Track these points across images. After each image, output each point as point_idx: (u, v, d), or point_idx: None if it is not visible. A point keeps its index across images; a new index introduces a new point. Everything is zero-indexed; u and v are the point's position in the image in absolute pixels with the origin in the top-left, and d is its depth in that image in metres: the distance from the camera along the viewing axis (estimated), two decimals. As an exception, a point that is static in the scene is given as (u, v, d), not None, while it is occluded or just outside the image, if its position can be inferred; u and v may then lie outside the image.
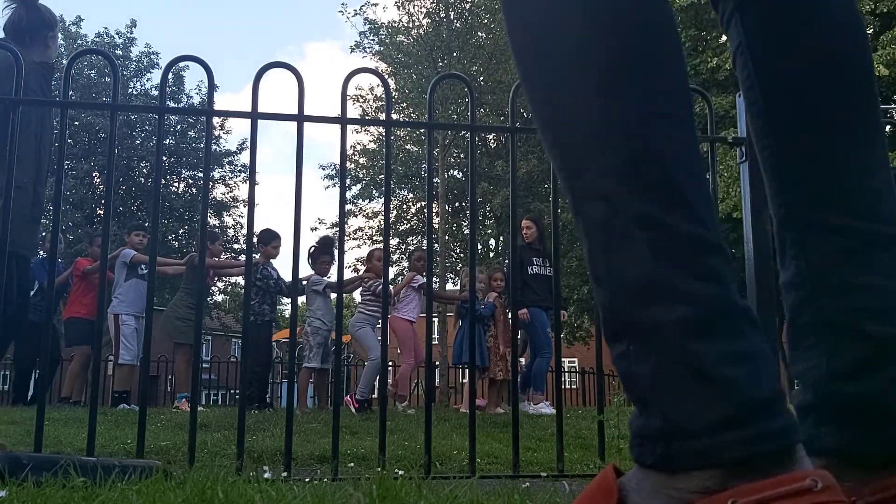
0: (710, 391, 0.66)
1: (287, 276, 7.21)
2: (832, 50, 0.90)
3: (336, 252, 6.62)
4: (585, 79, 0.74)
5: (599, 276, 0.74)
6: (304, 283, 6.64)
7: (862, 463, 0.81)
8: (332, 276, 6.89)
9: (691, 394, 0.67)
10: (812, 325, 0.87)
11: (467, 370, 7.13)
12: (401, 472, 1.85)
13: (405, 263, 18.14)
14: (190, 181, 24.10)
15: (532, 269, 6.94)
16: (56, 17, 3.34)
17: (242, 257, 14.45)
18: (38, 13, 3.20)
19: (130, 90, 23.10)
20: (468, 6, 19.93)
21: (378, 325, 6.74)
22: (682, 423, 0.67)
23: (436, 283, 14.71)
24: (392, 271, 18.23)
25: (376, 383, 6.45)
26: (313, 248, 7.04)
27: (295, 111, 2.43)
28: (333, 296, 6.79)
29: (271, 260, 6.99)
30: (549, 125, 0.78)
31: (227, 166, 24.75)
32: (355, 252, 22.15)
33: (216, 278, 8.65)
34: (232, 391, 18.02)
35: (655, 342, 0.69)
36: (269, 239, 6.82)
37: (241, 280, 15.63)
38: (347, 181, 12.15)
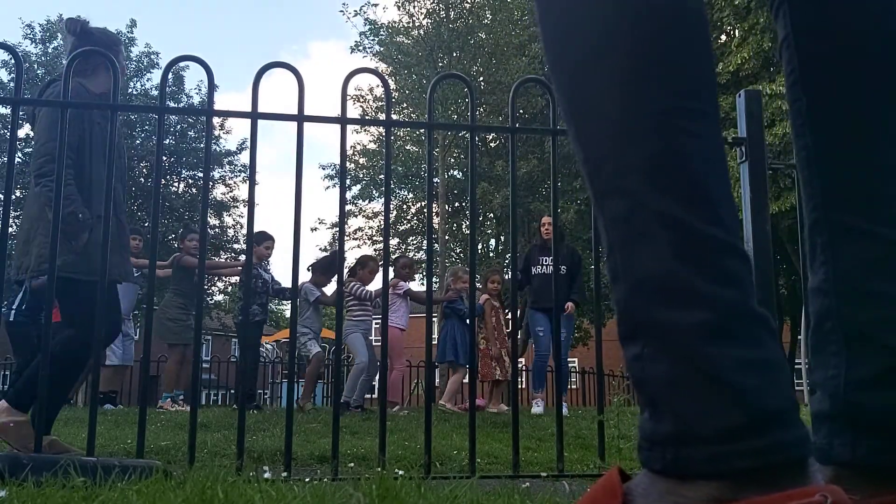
0: (725, 397, 0.65)
1: (281, 278, 7.32)
2: (883, 51, 0.87)
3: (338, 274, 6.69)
4: (610, 71, 0.72)
5: (617, 273, 0.72)
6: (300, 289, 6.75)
7: (872, 476, 0.80)
8: (325, 289, 7.06)
9: (705, 399, 0.66)
10: (835, 333, 0.86)
11: (450, 369, 7.17)
12: (401, 472, 1.85)
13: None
14: (190, 181, 24.09)
15: (536, 269, 6.89)
16: (114, 38, 3.16)
17: (242, 257, 14.37)
18: (90, 39, 3.05)
19: (130, 90, 23.08)
20: (468, 6, 19.93)
21: (366, 330, 6.80)
22: (694, 429, 0.66)
23: (435, 283, 14.70)
24: (391, 272, 18.20)
25: (361, 386, 6.49)
26: (316, 262, 7.12)
27: (295, 111, 2.43)
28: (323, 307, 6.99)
29: (266, 261, 7.04)
30: (573, 117, 0.76)
31: (227, 166, 24.74)
32: (356, 252, 22.16)
33: (215, 279, 8.70)
34: (232, 391, 18.01)
35: (671, 344, 0.68)
36: (262, 240, 6.86)
37: (234, 280, 15.62)
38: (347, 181, 12.15)
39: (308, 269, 7.00)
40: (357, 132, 21.39)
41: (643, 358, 0.70)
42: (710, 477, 0.65)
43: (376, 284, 6.98)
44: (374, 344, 6.80)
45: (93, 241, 2.81)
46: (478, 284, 6.73)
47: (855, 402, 0.82)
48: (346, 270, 6.80)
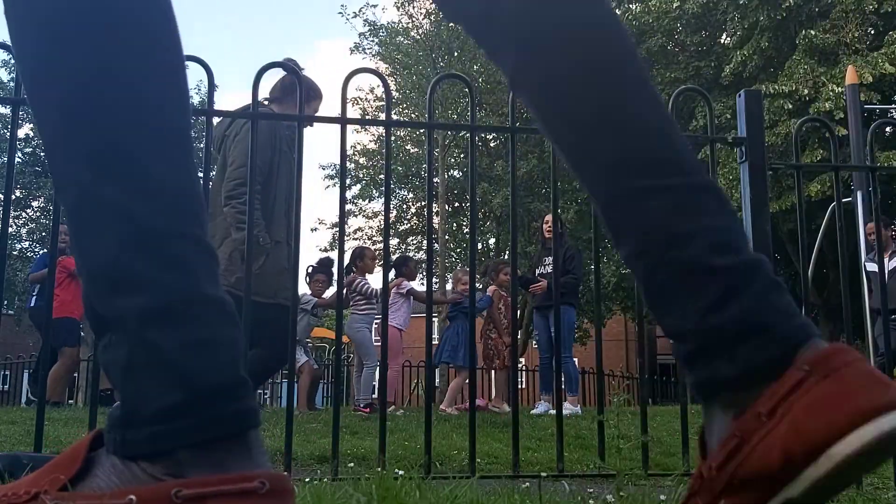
0: (167, 379, 0.68)
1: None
2: None
3: (335, 272, 6.78)
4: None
5: (78, 266, 0.75)
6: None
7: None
8: (324, 294, 7.19)
9: (148, 381, 0.68)
10: None
11: (451, 370, 7.20)
12: (401, 472, 1.85)
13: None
14: (190, 181, 24.07)
15: (539, 270, 6.86)
16: (319, 91, 3.34)
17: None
18: (296, 80, 3.30)
19: (130, 90, 23.03)
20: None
21: (374, 326, 6.84)
22: (138, 410, 0.68)
23: (436, 283, 14.70)
24: (392, 272, 18.19)
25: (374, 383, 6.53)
26: (311, 268, 7.20)
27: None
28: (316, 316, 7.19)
29: None
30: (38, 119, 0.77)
31: (228, 166, 24.75)
32: (355, 252, 22.12)
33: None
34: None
35: (122, 331, 0.70)
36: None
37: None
38: (347, 181, 12.14)
39: (305, 280, 7.20)
40: (357, 132, 21.40)
41: (109, 345, 0.72)
42: (151, 457, 0.67)
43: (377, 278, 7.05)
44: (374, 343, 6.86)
45: (269, 265, 2.88)
46: (478, 284, 6.74)
47: None
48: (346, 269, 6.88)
